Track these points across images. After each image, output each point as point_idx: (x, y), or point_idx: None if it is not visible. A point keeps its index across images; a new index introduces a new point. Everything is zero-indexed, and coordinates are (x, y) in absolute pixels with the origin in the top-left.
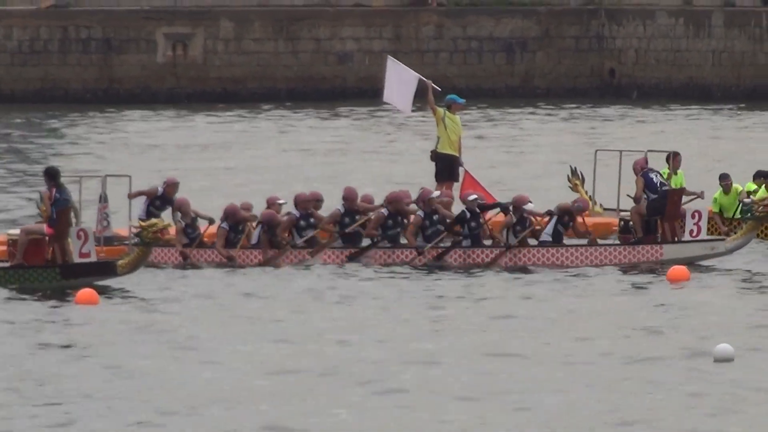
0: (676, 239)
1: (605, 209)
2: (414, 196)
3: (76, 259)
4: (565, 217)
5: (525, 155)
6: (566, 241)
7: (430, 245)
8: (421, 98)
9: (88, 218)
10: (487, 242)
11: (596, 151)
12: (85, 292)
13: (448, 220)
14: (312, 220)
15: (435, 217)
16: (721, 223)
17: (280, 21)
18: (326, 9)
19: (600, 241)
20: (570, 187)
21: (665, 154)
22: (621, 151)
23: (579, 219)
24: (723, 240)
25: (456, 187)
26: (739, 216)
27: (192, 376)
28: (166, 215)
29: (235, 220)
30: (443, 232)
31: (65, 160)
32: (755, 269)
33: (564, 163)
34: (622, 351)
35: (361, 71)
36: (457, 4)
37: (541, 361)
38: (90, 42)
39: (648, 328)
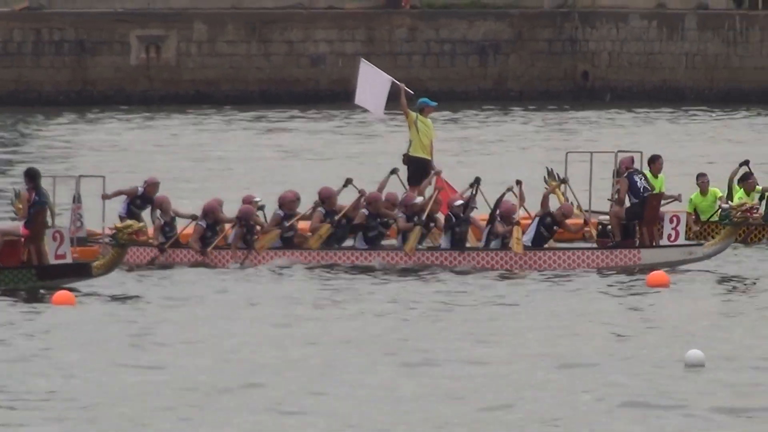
0: (654, 244)
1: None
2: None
3: (52, 261)
4: (548, 219)
5: (497, 158)
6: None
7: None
8: (393, 101)
9: (62, 218)
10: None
11: (567, 153)
12: (62, 293)
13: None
14: (293, 221)
15: (415, 219)
16: (693, 223)
17: (253, 23)
18: (299, 11)
19: (578, 245)
20: (547, 189)
21: (644, 157)
22: (591, 153)
23: (566, 222)
24: (701, 245)
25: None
26: (717, 220)
27: (166, 377)
28: (147, 214)
29: (213, 219)
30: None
31: (38, 161)
32: (733, 274)
33: (537, 163)
34: (593, 355)
35: (333, 74)
36: (430, 7)
37: (512, 364)
38: (63, 44)
39: (621, 333)
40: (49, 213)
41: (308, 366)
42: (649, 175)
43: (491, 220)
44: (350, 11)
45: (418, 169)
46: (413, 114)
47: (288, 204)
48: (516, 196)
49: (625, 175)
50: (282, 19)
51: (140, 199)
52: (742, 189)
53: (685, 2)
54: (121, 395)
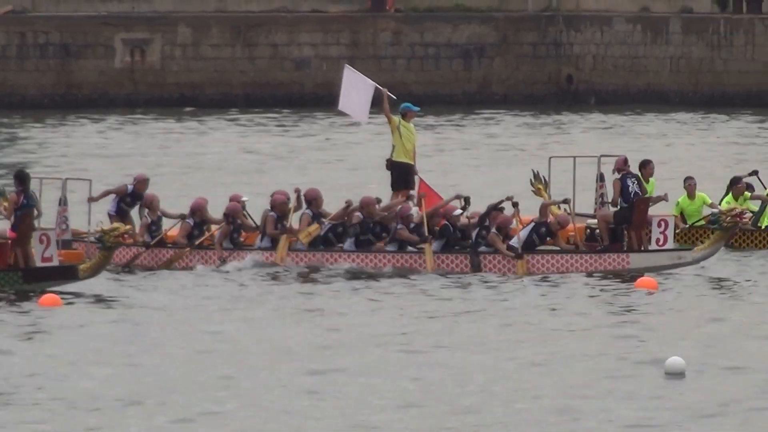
0: (642, 248)
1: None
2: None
3: (39, 263)
4: (542, 229)
5: (482, 162)
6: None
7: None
8: (376, 106)
9: (48, 221)
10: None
11: (550, 158)
12: (48, 296)
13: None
14: (286, 223)
15: (412, 225)
16: (681, 221)
17: (238, 27)
18: (283, 15)
19: (566, 249)
20: (533, 191)
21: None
22: (575, 158)
23: (561, 233)
24: (690, 250)
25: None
26: (704, 224)
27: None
28: (135, 213)
29: (201, 217)
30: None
31: (22, 165)
32: (721, 280)
33: (521, 167)
34: (576, 362)
35: (318, 77)
36: (414, 10)
37: (494, 366)
38: (48, 48)
39: (604, 339)
40: (36, 212)
41: (295, 365)
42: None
43: (481, 223)
44: (334, 15)
45: (401, 174)
46: (396, 119)
47: (279, 206)
48: (514, 209)
49: (619, 177)
50: (266, 22)
51: (130, 197)
52: (730, 194)
53: (670, 6)
54: (105, 394)
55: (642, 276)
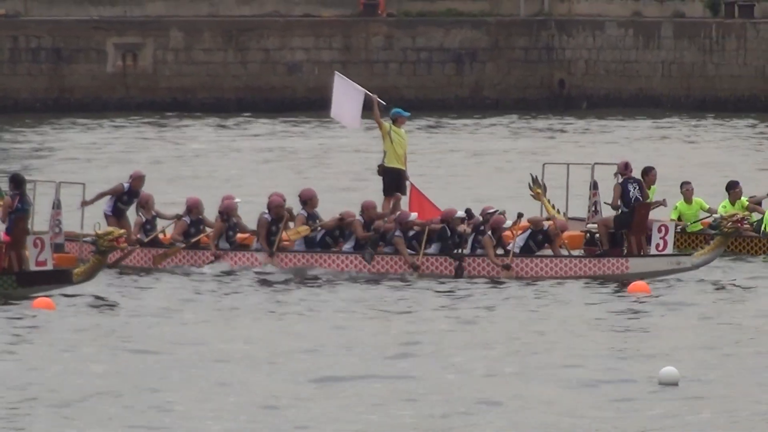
0: (642, 253)
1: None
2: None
3: (33, 267)
4: (539, 236)
5: (474, 167)
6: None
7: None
8: (367, 111)
9: (41, 224)
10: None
11: (544, 164)
12: (42, 299)
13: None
14: (281, 225)
15: (410, 233)
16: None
17: (230, 31)
18: (276, 19)
19: (565, 253)
20: (532, 195)
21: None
22: (568, 164)
23: (557, 240)
24: (689, 255)
25: (404, 200)
26: (700, 227)
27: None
28: (131, 213)
29: (197, 216)
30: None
31: (15, 169)
32: (719, 285)
33: (514, 171)
34: (568, 369)
35: (310, 82)
36: (406, 15)
37: (485, 375)
38: (40, 52)
39: (597, 347)
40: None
41: (294, 366)
42: None
43: (476, 229)
44: (327, 19)
45: (393, 180)
46: (387, 125)
47: (275, 209)
48: (517, 219)
49: (621, 182)
50: (258, 26)
51: (127, 195)
52: (727, 198)
53: (662, 11)
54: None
55: (634, 281)
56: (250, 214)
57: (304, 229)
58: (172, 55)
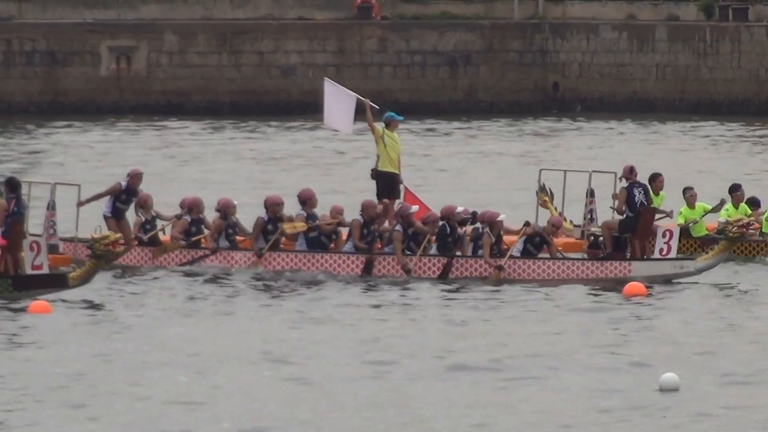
0: (645, 257)
1: (575, 226)
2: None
3: (28, 271)
4: (536, 239)
5: (468, 170)
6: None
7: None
8: (360, 114)
9: (35, 226)
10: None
11: (540, 170)
12: (39, 302)
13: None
14: (279, 224)
15: (410, 230)
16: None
17: (224, 34)
18: (270, 22)
19: (568, 256)
20: (539, 203)
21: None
22: (565, 171)
23: (554, 238)
24: (693, 259)
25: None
26: (706, 233)
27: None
28: (129, 214)
29: (197, 214)
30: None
31: (10, 172)
32: (721, 289)
33: (508, 174)
34: (567, 374)
35: (304, 85)
36: (400, 18)
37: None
38: (34, 55)
39: (597, 352)
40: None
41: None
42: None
43: (476, 237)
44: (321, 22)
45: (387, 184)
46: (380, 129)
47: (272, 207)
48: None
49: (626, 186)
50: (252, 30)
51: (125, 194)
52: (730, 203)
53: (656, 14)
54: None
55: (629, 282)
56: (245, 221)
57: (302, 225)
58: (166, 58)
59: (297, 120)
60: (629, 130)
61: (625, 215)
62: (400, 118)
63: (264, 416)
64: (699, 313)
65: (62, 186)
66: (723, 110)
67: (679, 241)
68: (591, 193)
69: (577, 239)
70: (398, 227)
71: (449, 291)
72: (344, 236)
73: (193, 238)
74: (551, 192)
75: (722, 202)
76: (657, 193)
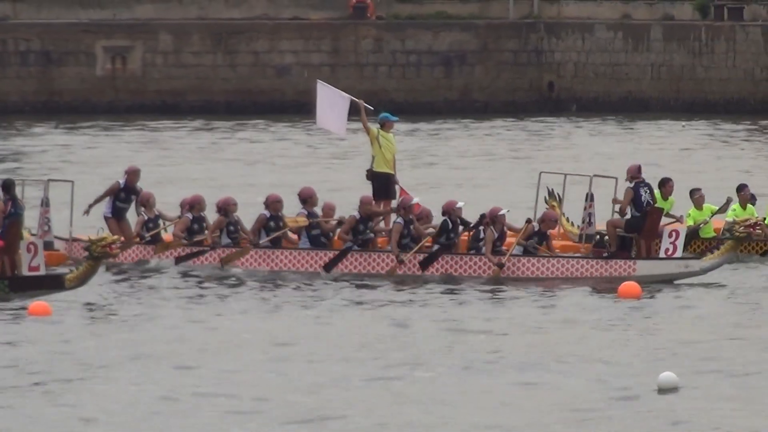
0: (650, 256)
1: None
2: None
3: (25, 272)
4: (534, 237)
5: (464, 170)
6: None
7: (410, 253)
8: (354, 115)
9: (29, 223)
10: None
11: (540, 173)
12: (39, 304)
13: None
14: (281, 222)
15: (411, 226)
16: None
17: (219, 34)
18: (264, 22)
19: (573, 254)
20: (547, 209)
21: (619, 183)
22: (565, 175)
23: (552, 232)
24: (698, 259)
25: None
26: (714, 234)
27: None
28: (130, 214)
29: (199, 212)
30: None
31: (5, 172)
32: (722, 289)
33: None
34: (565, 375)
35: (299, 84)
36: (395, 18)
37: (480, 378)
38: (29, 54)
39: (596, 351)
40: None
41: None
42: (658, 196)
43: (476, 228)
44: (316, 22)
45: (383, 184)
46: (374, 129)
47: (273, 204)
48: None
49: (632, 186)
50: (247, 29)
51: (124, 191)
52: (736, 202)
53: (651, 13)
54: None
55: (624, 282)
56: (243, 221)
57: (303, 221)
58: (161, 58)
59: (292, 120)
60: (624, 130)
61: (631, 215)
62: (395, 118)
63: (264, 416)
64: (699, 313)
65: (56, 183)
66: (718, 109)
67: (690, 242)
68: (590, 198)
69: (574, 242)
70: (399, 219)
71: (449, 291)
72: None
73: (196, 238)
74: (560, 197)
75: (728, 202)
76: (666, 198)
